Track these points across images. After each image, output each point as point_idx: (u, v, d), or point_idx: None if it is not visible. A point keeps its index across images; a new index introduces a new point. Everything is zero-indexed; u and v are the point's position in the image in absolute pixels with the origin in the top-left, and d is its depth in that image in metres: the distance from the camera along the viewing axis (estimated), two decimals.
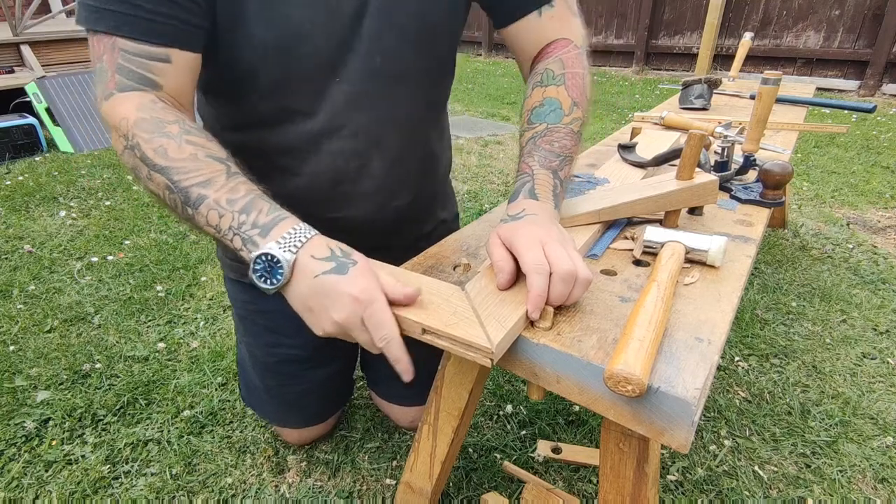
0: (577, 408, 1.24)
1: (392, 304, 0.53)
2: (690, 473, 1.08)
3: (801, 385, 1.32)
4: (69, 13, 4.58)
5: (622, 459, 0.58)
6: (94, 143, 3.22)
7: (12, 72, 3.66)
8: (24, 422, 1.20)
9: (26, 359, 1.41)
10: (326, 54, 0.68)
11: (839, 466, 1.09)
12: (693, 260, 0.68)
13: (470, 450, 1.14)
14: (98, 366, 1.38)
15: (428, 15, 0.72)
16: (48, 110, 3.15)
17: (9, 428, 1.19)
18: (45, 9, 4.78)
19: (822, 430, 1.18)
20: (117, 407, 1.25)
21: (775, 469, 1.09)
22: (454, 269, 0.69)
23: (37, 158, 3.02)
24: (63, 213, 2.30)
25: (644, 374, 0.45)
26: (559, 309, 0.58)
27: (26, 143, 3.04)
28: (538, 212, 0.62)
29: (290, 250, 0.53)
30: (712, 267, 0.68)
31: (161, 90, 0.61)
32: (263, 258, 0.53)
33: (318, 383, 1.05)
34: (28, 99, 3.21)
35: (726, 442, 1.15)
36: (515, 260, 0.57)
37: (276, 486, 1.07)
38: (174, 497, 1.04)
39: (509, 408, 1.24)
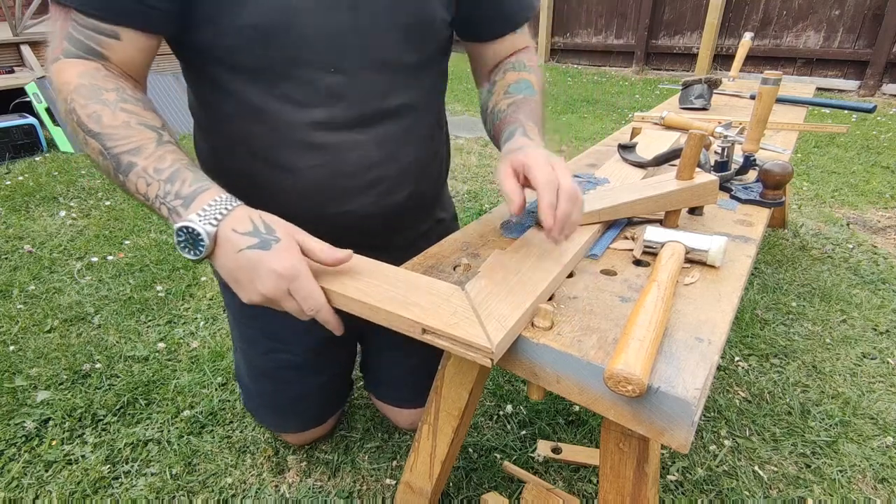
0: (577, 408, 1.24)
1: (326, 265, 0.58)
2: (690, 473, 1.08)
3: (801, 385, 1.32)
4: None
5: (622, 459, 0.58)
6: None
7: (12, 72, 3.67)
8: (24, 422, 1.20)
9: (26, 359, 1.41)
10: (319, 42, 0.67)
11: (839, 466, 1.09)
12: (693, 260, 0.68)
13: (470, 450, 1.14)
14: (98, 366, 1.38)
15: (424, 7, 0.72)
16: (48, 110, 3.15)
17: (9, 428, 1.19)
18: (45, 9, 4.77)
19: (822, 430, 1.18)
20: (117, 407, 1.25)
21: (775, 469, 1.09)
22: (454, 269, 0.69)
23: (37, 158, 3.02)
24: (63, 213, 2.30)
25: (644, 374, 0.45)
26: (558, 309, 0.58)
27: (26, 143, 3.04)
28: (538, 146, 0.69)
29: (210, 223, 0.54)
30: (712, 267, 0.68)
31: (108, 61, 0.62)
32: (185, 230, 0.54)
33: (318, 387, 1.05)
34: (28, 99, 3.21)
35: (726, 442, 1.15)
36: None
37: (276, 486, 1.07)
38: (174, 497, 1.04)
39: (509, 408, 1.24)
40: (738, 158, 1.02)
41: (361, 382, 1.33)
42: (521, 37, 0.88)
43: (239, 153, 0.75)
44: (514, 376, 1.35)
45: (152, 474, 1.08)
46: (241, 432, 1.19)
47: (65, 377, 1.34)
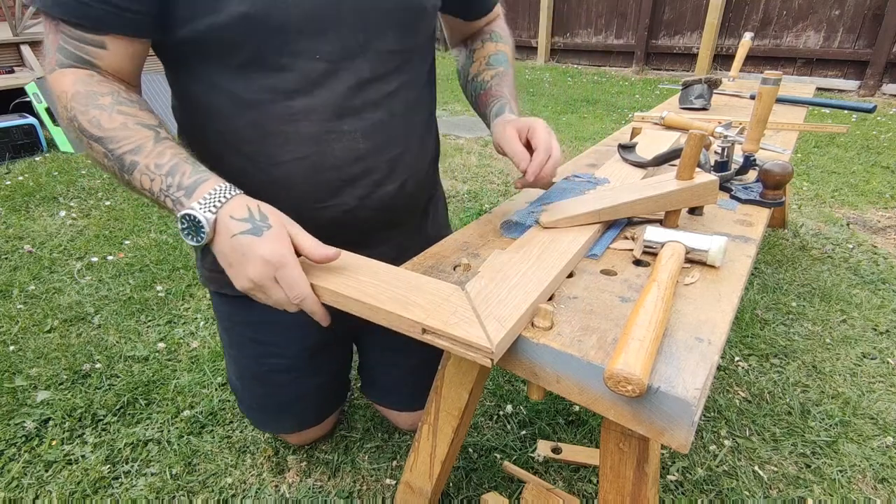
0: (577, 408, 1.24)
1: (314, 261, 0.60)
2: (690, 473, 1.08)
3: (801, 385, 1.32)
4: None
5: (622, 459, 0.58)
6: None
7: (12, 72, 3.67)
8: (24, 422, 1.20)
9: (26, 359, 1.41)
10: (304, 28, 0.66)
11: (839, 466, 1.09)
12: (693, 260, 0.68)
13: (470, 450, 1.14)
14: (98, 366, 1.38)
15: None
16: (48, 110, 3.15)
17: (9, 428, 1.19)
18: None
19: (822, 430, 1.18)
20: (117, 407, 1.25)
21: (775, 469, 1.09)
22: (454, 269, 0.69)
23: (37, 158, 3.02)
24: (63, 213, 2.30)
25: (644, 374, 0.45)
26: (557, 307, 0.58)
27: (26, 143, 3.04)
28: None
29: (210, 210, 0.57)
30: (712, 267, 0.68)
31: (99, 69, 0.64)
32: (187, 218, 0.58)
33: (315, 387, 1.04)
34: (28, 99, 3.21)
35: (726, 442, 1.15)
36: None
37: (276, 486, 1.07)
38: (174, 497, 1.04)
39: (509, 408, 1.24)
40: (738, 158, 1.02)
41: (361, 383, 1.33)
42: (495, 10, 0.97)
43: (224, 150, 0.74)
44: (514, 376, 1.35)
45: (152, 474, 1.08)
46: (241, 432, 1.19)
47: (65, 377, 1.34)
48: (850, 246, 1.99)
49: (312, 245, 0.59)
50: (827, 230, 2.13)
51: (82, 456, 1.12)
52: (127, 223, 2.23)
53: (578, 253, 0.69)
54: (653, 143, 1.13)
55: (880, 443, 1.15)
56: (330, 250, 0.60)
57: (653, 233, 0.70)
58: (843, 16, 4.43)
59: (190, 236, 0.58)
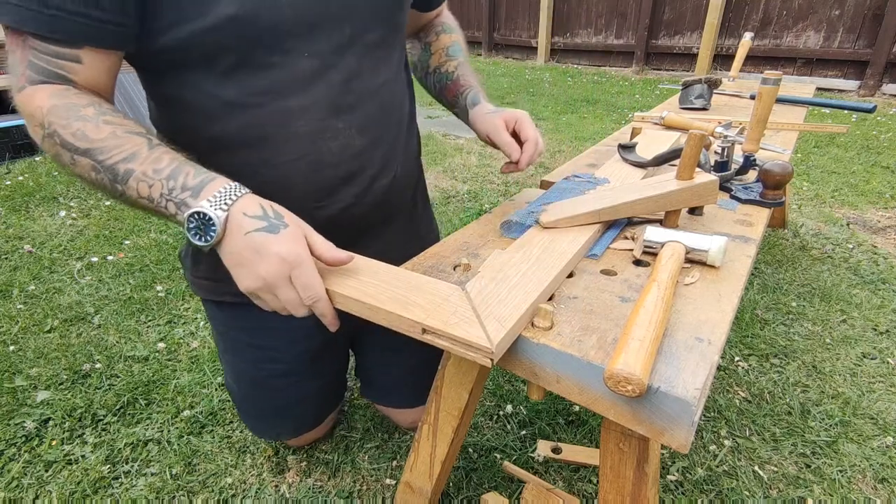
0: (577, 408, 1.24)
1: (327, 263, 0.59)
2: (690, 473, 1.08)
3: (801, 385, 1.32)
4: None
5: (622, 459, 0.58)
6: None
7: None
8: (24, 422, 1.20)
9: (26, 359, 1.41)
10: (293, 25, 0.64)
11: (839, 466, 1.09)
12: (693, 260, 0.68)
13: (470, 450, 1.14)
14: (98, 366, 1.38)
15: None
16: None
17: (9, 428, 1.19)
18: None
19: (822, 430, 1.18)
20: (117, 407, 1.25)
21: (775, 469, 1.09)
22: (454, 269, 0.69)
23: (37, 158, 3.02)
24: (63, 213, 2.31)
25: (644, 374, 0.45)
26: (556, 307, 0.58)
27: (26, 143, 3.04)
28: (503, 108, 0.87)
29: (221, 208, 0.55)
30: (712, 267, 0.68)
31: (74, 83, 0.61)
32: (196, 216, 0.55)
33: (316, 390, 1.04)
34: None
35: (726, 442, 1.15)
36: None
37: (276, 486, 1.07)
38: (174, 497, 1.04)
39: (509, 408, 1.24)
40: (738, 158, 1.02)
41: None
42: (444, 2, 1.01)
43: (213, 156, 0.70)
44: (514, 376, 1.35)
45: (152, 474, 1.08)
46: (241, 432, 1.19)
47: (65, 377, 1.34)
48: (850, 246, 1.99)
49: (326, 248, 0.58)
50: (827, 230, 2.13)
51: (82, 456, 1.12)
52: (127, 223, 2.23)
53: (578, 253, 0.69)
54: (653, 143, 1.13)
55: (880, 443, 1.15)
56: (342, 254, 0.59)
57: (653, 233, 0.70)
58: (843, 16, 4.43)
59: (198, 236, 0.56)
